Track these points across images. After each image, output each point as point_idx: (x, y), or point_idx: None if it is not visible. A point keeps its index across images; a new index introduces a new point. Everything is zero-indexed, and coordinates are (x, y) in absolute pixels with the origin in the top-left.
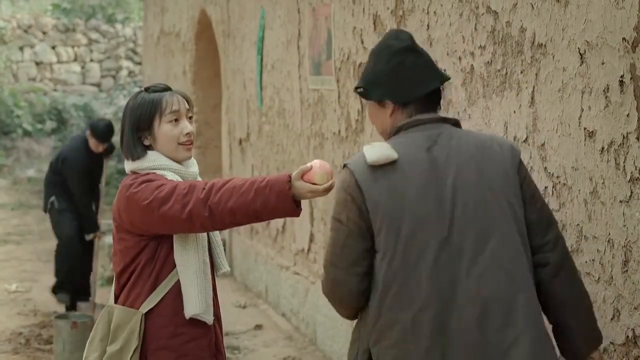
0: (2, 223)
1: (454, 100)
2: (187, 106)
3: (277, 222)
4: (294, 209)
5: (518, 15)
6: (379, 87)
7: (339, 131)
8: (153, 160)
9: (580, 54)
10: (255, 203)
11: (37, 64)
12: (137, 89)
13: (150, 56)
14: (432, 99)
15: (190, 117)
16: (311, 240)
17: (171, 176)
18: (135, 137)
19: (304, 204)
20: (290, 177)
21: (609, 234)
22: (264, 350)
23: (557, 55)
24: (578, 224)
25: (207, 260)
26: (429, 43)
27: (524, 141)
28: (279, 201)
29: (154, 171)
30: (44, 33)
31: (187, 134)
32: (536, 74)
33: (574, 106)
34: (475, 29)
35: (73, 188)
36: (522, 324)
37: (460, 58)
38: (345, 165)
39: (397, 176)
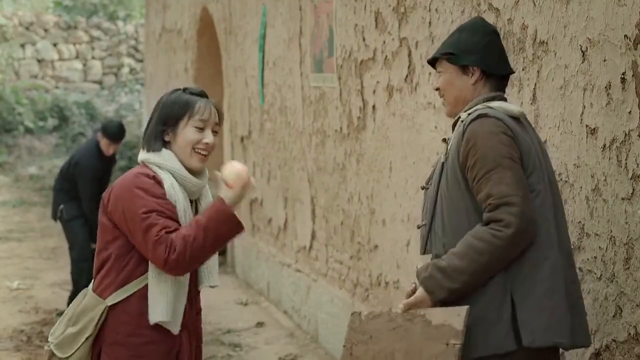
0: (4, 220)
1: None
2: (216, 119)
3: (278, 220)
4: (240, 224)
5: (520, 12)
6: (473, 55)
7: (341, 128)
8: (164, 159)
9: (582, 51)
10: (211, 243)
11: (39, 61)
12: (138, 87)
13: (152, 53)
14: (507, 81)
15: (216, 132)
16: (313, 237)
17: (170, 181)
18: (158, 130)
19: (307, 201)
20: (221, 199)
21: (611, 231)
22: (265, 348)
23: (558, 52)
24: (580, 221)
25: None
26: (431, 40)
27: None
28: (229, 225)
29: (159, 170)
30: (46, 30)
31: (206, 143)
32: (538, 71)
33: (576, 103)
34: None
35: (82, 192)
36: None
37: None
38: (483, 115)
39: (526, 129)
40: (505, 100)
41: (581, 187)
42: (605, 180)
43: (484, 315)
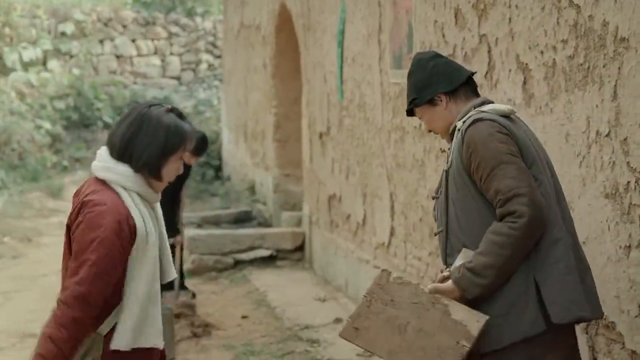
0: None
1: (536, 94)
2: None
3: (357, 216)
4: None
5: (600, 9)
6: (428, 88)
7: (420, 125)
8: (134, 183)
9: None
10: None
11: (117, 57)
12: (216, 82)
13: (230, 49)
14: (474, 85)
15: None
16: (392, 234)
17: (136, 206)
18: (162, 160)
19: (386, 197)
20: None
21: None
22: (343, 344)
23: None
24: None
25: (158, 287)
26: (511, 37)
27: (606, 135)
28: None
29: (123, 192)
30: (124, 26)
31: (178, 174)
32: (619, 68)
33: None
34: (558, 22)
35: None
36: (585, 257)
37: (542, 52)
38: (478, 120)
39: (518, 125)
40: (492, 102)
41: None
42: None
43: (514, 303)
